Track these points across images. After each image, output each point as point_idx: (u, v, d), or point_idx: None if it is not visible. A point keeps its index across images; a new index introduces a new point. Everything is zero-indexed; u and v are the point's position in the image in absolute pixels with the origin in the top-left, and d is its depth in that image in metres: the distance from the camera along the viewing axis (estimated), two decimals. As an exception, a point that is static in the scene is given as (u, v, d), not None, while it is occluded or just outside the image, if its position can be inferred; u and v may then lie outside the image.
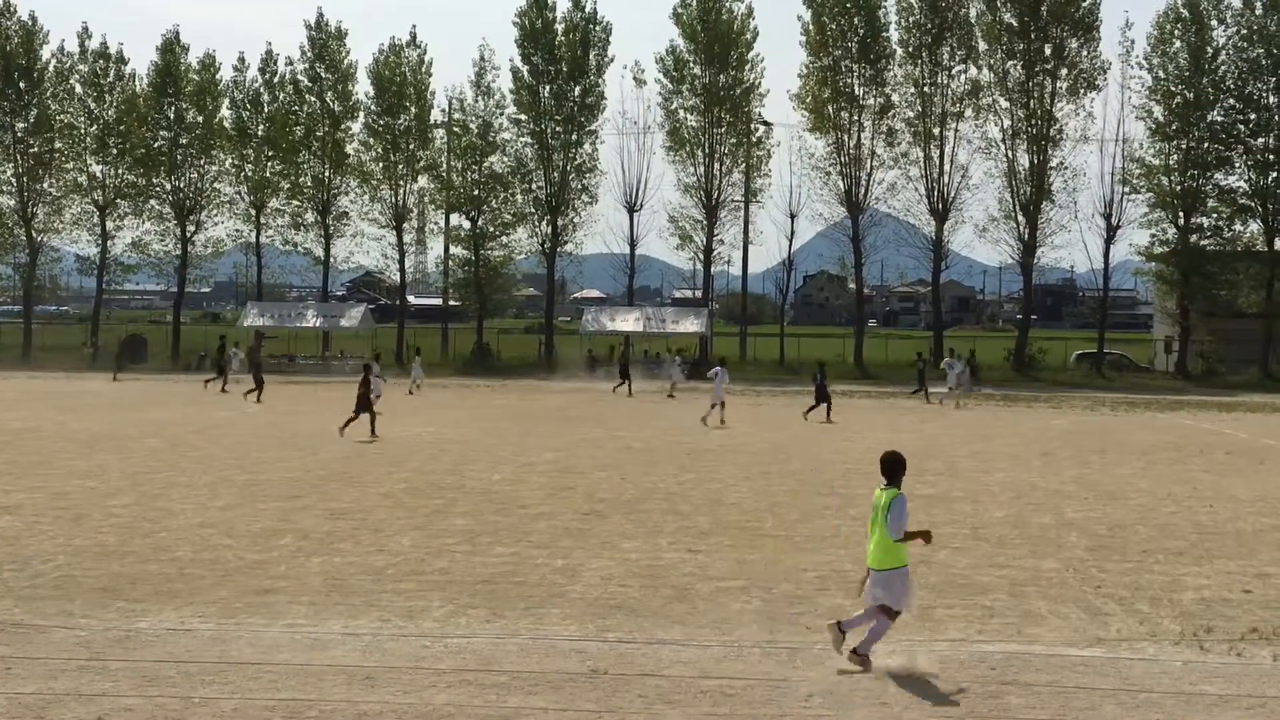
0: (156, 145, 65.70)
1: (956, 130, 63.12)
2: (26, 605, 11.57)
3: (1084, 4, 61.43)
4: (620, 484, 20.71)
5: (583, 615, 11.52)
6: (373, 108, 65.10)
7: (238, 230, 67.46)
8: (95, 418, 32.25)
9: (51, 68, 66.09)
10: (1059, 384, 53.83)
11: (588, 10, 64.09)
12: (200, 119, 65.72)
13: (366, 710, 8.69)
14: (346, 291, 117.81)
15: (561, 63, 63.65)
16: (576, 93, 63.97)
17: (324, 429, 29.03)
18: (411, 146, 65.02)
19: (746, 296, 74.62)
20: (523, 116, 64.37)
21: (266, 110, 66.11)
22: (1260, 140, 61.30)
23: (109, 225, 66.21)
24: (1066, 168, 62.88)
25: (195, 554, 14.13)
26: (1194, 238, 61.82)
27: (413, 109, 64.79)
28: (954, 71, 62.95)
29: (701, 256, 65.40)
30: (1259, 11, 60.71)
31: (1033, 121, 62.09)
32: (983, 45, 62.68)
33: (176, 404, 38.19)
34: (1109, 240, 63.41)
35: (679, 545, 15.14)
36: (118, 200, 65.98)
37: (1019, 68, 61.91)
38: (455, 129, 65.09)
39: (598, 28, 64.16)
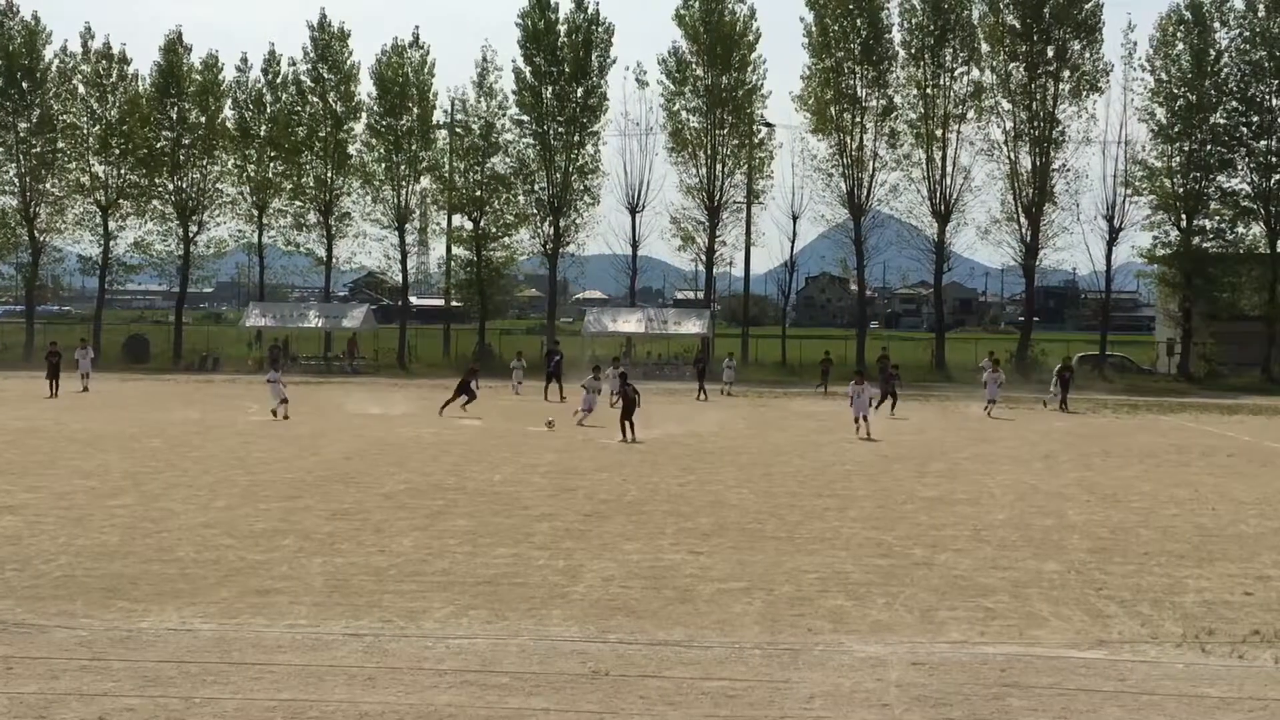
0: (159, 145, 65.51)
1: (959, 132, 62.95)
2: (28, 605, 11.58)
3: (1086, 6, 61.35)
4: (622, 485, 20.71)
5: (584, 616, 11.52)
6: (375, 108, 64.98)
7: (240, 231, 67.35)
8: (97, 418, 32.26)
9: (54, 68, 65.82)
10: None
11: (590, 11, 64.00)
12: (203, 119, 65.54)
13: (368, 711, 8.70)
14: (349, 292, 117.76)
15: (564, 64, 63.59)
16: (579, 94, 63.90)
17: (323, 431, 29.00)
18: (414, 147, 64.90)
19: (748, 298, 74.51)
20: (525, 117, 64.29)
21: (269, 111, 65.93)
22: (1263, 143, 61.12)
23: (111, 225, 66.02)
24: (1069, 170, 62.74)
25: (197, 554, 14.14)
26: (1196, 240, 61.63)
27: (415, 110, 64.69)
28: (956, 73, 62.77)
29: (703, 258, 65.29)
30: (1261, 14, 60.51)
31: (1035, 123, 62.00)
32: (985, 47, 62.54)
33: (178, 404, 38.20)
34: (1111, 242, 63.29)
35: (680, 547, 15.14)
36: (120, 200, 65.80)
37: (1021, 70, 61.82)
38: (458, 130, 65.01)
39: (600, 29, 64.08)
